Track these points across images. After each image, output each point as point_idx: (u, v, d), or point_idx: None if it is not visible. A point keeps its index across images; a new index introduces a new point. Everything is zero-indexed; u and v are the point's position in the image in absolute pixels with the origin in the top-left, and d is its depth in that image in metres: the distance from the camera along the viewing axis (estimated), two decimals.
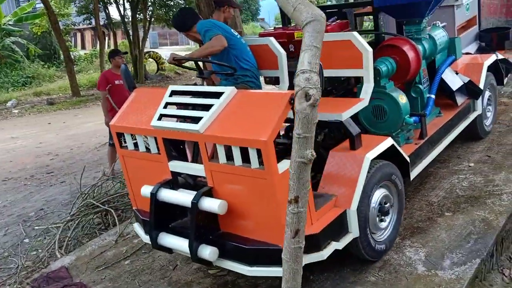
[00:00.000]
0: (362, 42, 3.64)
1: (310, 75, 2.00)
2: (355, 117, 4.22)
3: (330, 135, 3.99)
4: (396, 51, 4.22)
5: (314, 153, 2.02)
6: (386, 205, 3.41)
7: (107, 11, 21.67)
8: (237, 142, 2.75)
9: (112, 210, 5.06)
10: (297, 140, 2.03)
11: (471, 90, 4.84)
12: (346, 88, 4.42)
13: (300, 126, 2.02)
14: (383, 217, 3.43)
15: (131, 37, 20.59)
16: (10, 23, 23.10)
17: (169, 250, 3.21)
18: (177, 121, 3.23)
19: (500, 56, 5.87)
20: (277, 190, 2.65)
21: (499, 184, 4.29)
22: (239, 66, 4.12)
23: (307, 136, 2.02)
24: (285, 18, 5.10)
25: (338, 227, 3.03)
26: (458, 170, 4.74)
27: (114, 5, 21.04)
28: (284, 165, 2.71)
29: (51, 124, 13.07)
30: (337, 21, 4.67)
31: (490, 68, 5.32)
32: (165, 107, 3.19)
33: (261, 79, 4.56)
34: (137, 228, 3.64)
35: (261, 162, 2.68)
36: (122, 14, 21.04)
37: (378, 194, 3.35)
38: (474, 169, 4.68)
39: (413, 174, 3.90)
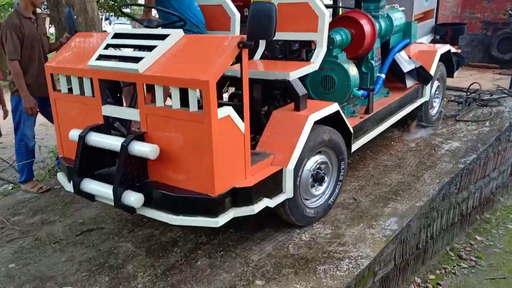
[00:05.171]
0: (319, 5, 3.56)
1: None
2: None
3: (275, 104, 3.87)
4: (352, 23, 4.18)
5: None
6: (322, 172, 3.34)
7: None
8: (177, 82, 2.57)
9: None
10: None
11: (421, 75, 4.87)
12: (297, 59, 4.31)
13: None
14: (317, 183, 3.36)
15: None
16: None
17: (91, 197, 2.97)
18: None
19: (454, 50, 5.96)
20: (214, 135, 2.50)
21: (347, 243, 3.22)
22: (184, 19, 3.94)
23: None
24: None
25: (272, 185, 2.92)
26: None
27: None
28: (224, 111, 2.57)
29: None
30: None
31: (442, 59, 5.37)
32: (106, 48, 2.98)
33: None
34: (61, 177, 3.36)
35: (200, 106, 2.52)
36: None
37: (316, 159, 3.28)
38: (328, 216, 3.58)
39: (355, 146, 3.84)
